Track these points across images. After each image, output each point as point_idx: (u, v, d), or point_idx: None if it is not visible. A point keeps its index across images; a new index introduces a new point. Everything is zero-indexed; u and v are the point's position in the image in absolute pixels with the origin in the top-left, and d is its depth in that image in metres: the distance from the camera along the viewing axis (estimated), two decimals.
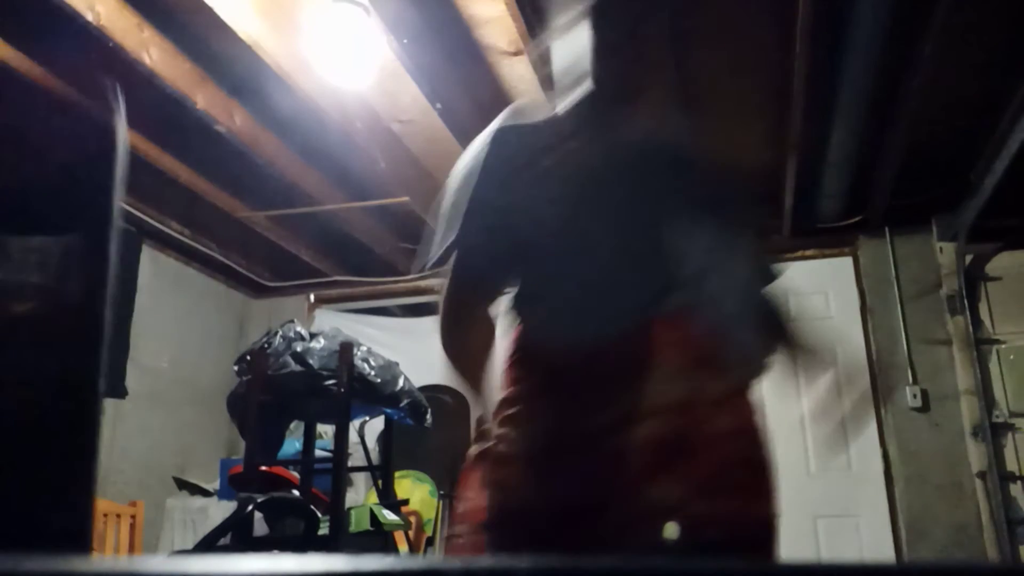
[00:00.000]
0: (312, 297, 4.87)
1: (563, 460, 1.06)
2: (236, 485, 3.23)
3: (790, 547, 4.06)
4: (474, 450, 1.15)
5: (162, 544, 3.87)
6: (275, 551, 2.35)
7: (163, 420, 3.98)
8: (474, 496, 1.12)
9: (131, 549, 3.26)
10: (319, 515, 2.38)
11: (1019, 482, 3.59)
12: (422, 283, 4.66)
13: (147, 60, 2.53)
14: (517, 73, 2.90)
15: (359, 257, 4.53)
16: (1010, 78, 2.89)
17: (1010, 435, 3.67)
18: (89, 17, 2.29)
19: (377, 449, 3.45)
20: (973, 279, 3.87)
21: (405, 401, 2.59)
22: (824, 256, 4.05)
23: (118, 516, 3.02)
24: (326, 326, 3.67)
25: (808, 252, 4.09)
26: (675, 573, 0.34)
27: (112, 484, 3.53)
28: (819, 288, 4.04)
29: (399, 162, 3.46)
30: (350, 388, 2.42)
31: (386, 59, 2.68)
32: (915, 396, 3.77)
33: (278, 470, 3.05)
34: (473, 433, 1.18)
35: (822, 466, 3.79)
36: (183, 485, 4.10)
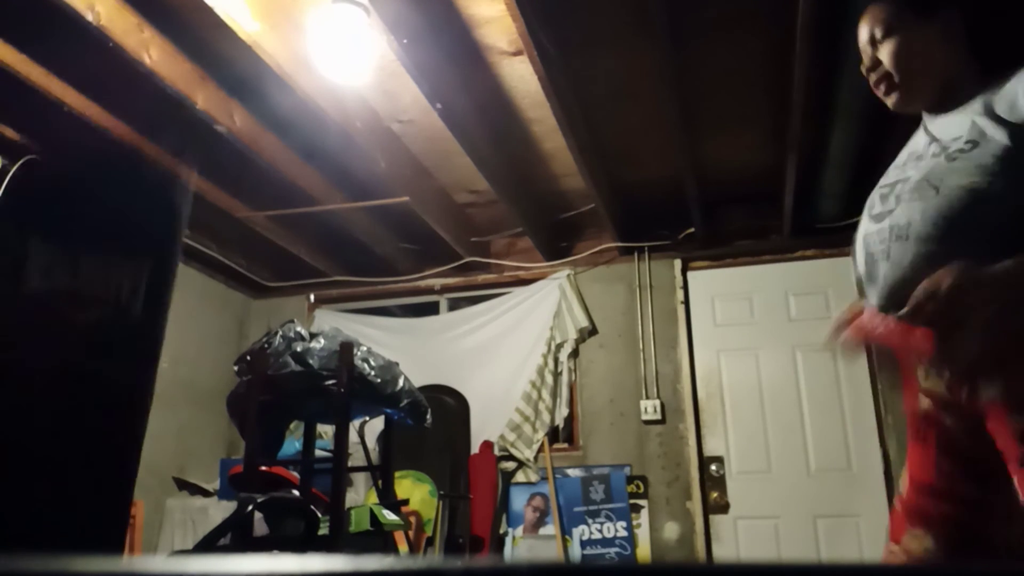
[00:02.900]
0: (312, 297, 4.87)
1: None
2: (236, 485, 3.23)
3: (790, 547, 4.04)
4: None
5: (162, 544, 3.87)
6: (275, 551, 2.35)
7: (163, 420, 3.98)
8: None
9: (131, 549, 3.26)
10: (319, 515, 2.38)
11: None
12: (422, 283, 4.66)
13: (147, 60, 2.53)
14: (517, 73, 2.90)
15: (359, 257, 4.53)
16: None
17: None
18: (89, 17, 2.29)
19: (377, 449, 3.45)
20: None
21: (405, 401, 2.58)
22: (824, 256, 4.05)
23: None
24: (326, 326, 3.68)
25: (808, 252, 4.10)
26: (675, 572, 0.34)
27: None
28: (819, 288, 4.05)
29: (399, 162, 3.46)
30: (350, 388, 2.41)
31: (386, 59, 2.68)
32: None
33: (278, 470, 3.05)
34: None
35: (822, 466, 3.80)
36: (183, 485, 4.10)
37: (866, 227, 1.37)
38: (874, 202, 1.37)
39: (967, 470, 1.24)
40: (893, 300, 1.29)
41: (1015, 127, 1.18)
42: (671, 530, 3.92)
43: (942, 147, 1.27)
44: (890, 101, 1.39)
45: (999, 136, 1.18)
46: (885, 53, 1.35)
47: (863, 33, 1.40)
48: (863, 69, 1.41)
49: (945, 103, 1.30)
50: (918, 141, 1.37)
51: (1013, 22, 1.39)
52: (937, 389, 1.27)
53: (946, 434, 1.27)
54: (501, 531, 4.04)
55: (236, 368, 2.54)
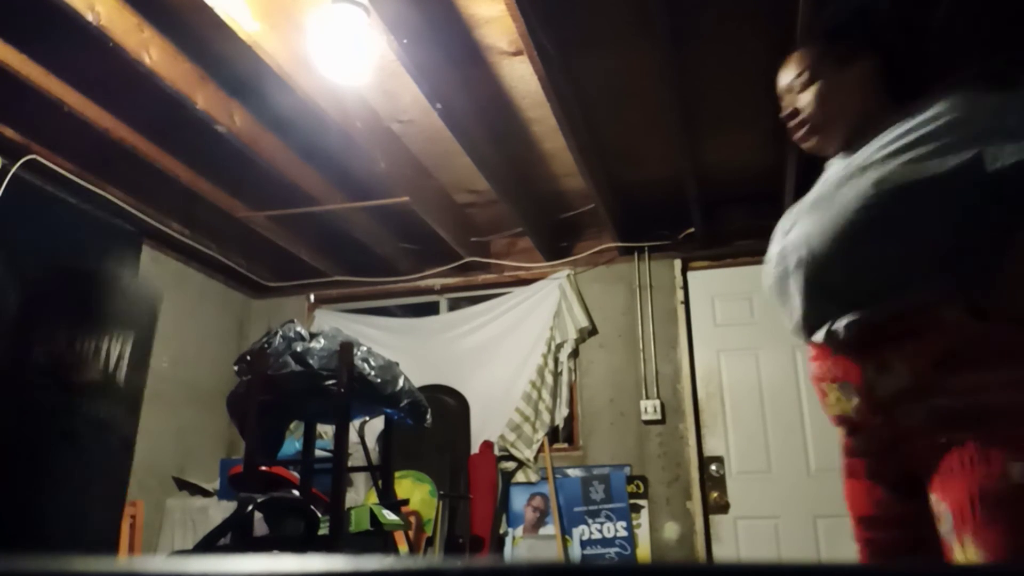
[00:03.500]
0: (312, 297, 4.87)
1: None
2: (236, 485, 3.23)
3: (790, 547, 4.03)
4: None
5: (162, 544, 3.87)
6: (275, 551, 2.35)
7: (163, 420, 3.98)
8: None
9: (131, 549, 3.26)
10: (319, 515, 2.38)
11: None
12: (422, 283, 4.66)
13: (147, 60, 2.53)
14: (517, 73, 2.90)
15: (359, 257, 4.53)
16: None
17: None
18: (89, 17, 2.29)
19: (377, 449, 3.44)
20: None
21: (405, 401, 2.58)
22: None
23: None
24: (326, 326, 3.68)
25: None
26: (675, 572, 0.34)
27: None
28: None
29: (399, 162, 3.46)
30: (350, 388, 2.41)
31: (386, 59, 2.68)
32: None
33: (278, 470, 3.05)
34: None
35: (822, 466, 3.80)
36: (183, 485, 4.10)
37: (772, 248, 1.42)
38: (781, 224, 1.43)
39: (897, 491, 1.25)
40: (804, 318, 1.32)
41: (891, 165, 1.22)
42: (671, 530, 3.92)
43: (840, 173, 1.33)
44: (807, 145, 1.46)
45: (885, 166, 1.23)
46: (807, 99, 1.41)
47: (784, 79, 1.46)
48: (782, 115, 1.47)
49: (857, 144, 1.35)
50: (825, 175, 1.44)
51: (927, 66, 1.44)
52: (846, 413, 1.29)
53: (867, 462, 1.29)
54: (501, 531, 4.04)
55: (236, 368, 2.54)
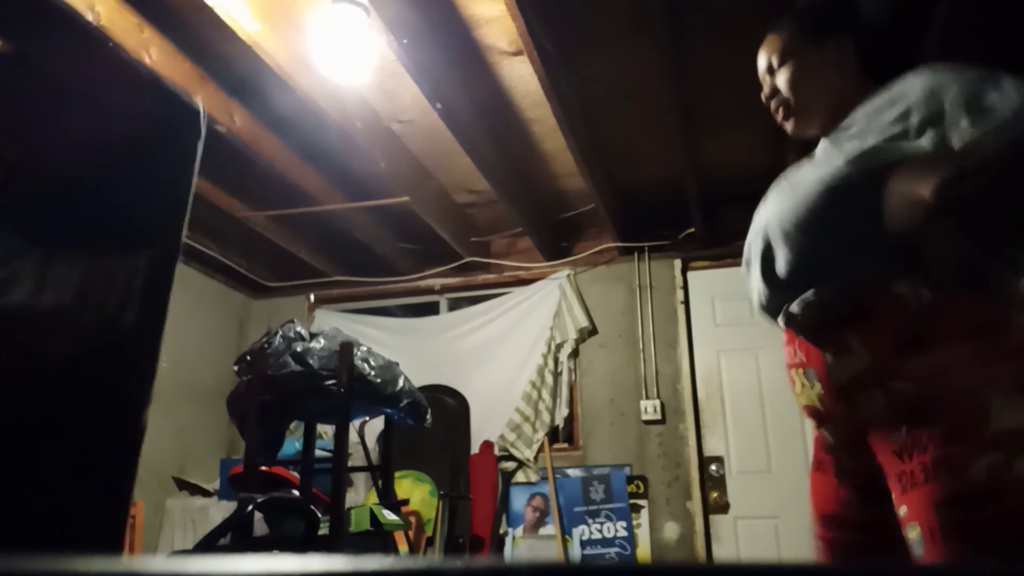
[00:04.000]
0: (312, 297, 4.87)
1: None
2: (236, 485, 3.23)
3: (790, 547, 4.03)
4: None
5: (162, 544, 3.87)
6: (275, 551, 2.35)
7: (163, 420, 3.98)
8: None
9: (131, 549, 3.26)
10: (319, 515, 2.38)
11: None
12: (422, 283, 4.66)
13: (147, 60, 2.53)
14: (517, 73, 2.90)
15: (359, 257, 4.53)
16: None
17: None
18: (89, 17, 2.29)
19: (377, 449, 3.45)
20: None
21: (405, 401, 2.58)
22: None
23: None
24: (326, 326, 3.68)
25: None
26: (675, 572, 0.34)
27: None
28: None
29: (399, 162, 3.46)
30: (350, 388, 2.41)
31: (386, 59, 2.68)
32: None
33: (278, 470, 3.05)
34: None
35: None
36: (183, 485, 4.10)
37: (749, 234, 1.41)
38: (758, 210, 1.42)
39: (863, 493, 1.21)
40: (765, 301, 1.30)
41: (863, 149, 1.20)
42: (671, 530, 3.92)
43: (815, 156, 1.32)
44: (788, 127, 1.43)
45: (850, 147, 1.21)
46: (782, 80, 1.39)
47: (761, 62, 1.44)
48: (763, 97, 1.45)
49: (836, 125, 1.32)
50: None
51: (901, 43, 1.43)
52: (812, 403, 1.25)
53: (836, 459, 1.25)
54: (501, 531, 4.04)
55: (236, 368, 2.54)
